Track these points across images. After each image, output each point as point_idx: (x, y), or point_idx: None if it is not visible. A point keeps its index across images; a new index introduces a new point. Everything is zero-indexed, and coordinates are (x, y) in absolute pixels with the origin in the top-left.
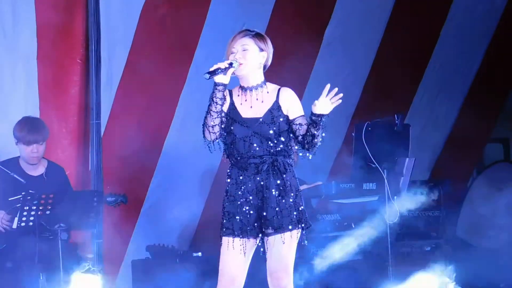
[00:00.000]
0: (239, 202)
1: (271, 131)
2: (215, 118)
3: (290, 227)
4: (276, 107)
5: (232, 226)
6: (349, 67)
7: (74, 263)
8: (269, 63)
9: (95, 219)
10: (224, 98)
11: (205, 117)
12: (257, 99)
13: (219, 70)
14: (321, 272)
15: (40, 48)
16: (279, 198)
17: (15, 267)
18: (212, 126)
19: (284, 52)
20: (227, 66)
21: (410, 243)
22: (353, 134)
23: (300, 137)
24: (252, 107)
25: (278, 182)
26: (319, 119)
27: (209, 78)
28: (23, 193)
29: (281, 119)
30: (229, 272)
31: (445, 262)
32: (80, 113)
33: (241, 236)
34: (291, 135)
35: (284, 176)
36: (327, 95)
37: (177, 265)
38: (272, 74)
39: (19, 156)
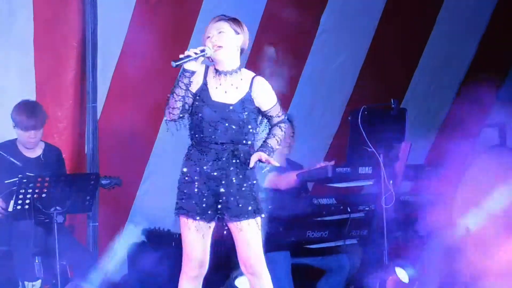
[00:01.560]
0: (196, 184)
1: (239, 120)
2: (177, 101)
3: (247, 216)
4: (248, 97)
5: (187, 207)
6: (345, 53)
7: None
8: (246, 47)
9: (91, 202)
10: (190, 84)
11: (168, 98)
12: (231, 85)
13: (189, 58)
14: (316, 256)
15: (37, 31)
16: (238, 186)
17: (10, 251)
18: (173, 108)
19: (280, 38)
20: (199, 53)
21: (406, 227)
22: (349, 118)
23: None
24: (227, 92)
25: (238, 171)
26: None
27: (175, 66)
28: (19, 176)
29: (250, 111)
30: (193, 253)
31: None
32: (76, 97)
33: (194, 218)
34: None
35: (244, 165)
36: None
37: (172, 249)
38: (267, 60)
39: (16, 138)
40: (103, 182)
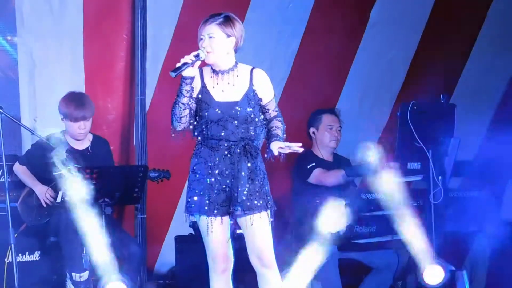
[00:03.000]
0: (208, 182)
1: (246, 116)
2: (184, 109)
3: (259, 209)
4: (251, 91)
5: (200, 205)
6: (394, 47)
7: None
8: (240, 45)
9: (139, 194)
10: (192, 90)
11: (174, 107)
12: (228, 83)
13: (186, 65)
14: (363, 251)
15: (87, 23)
16: (249, 181)
17: (58, 242)
18: (180, 117)
19: (329, 31)
20: (194, 59)
21: (454, 223)
22: (398, 113)
23: (266, 123)
24: (224, 91)
25: (249, 165)
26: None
27: (175, 76)
28: (75, 165)
29: (254, 103)
30: (216, 249)
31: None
32: (125, 89)
33: (207, 215)
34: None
35: (255, 160)
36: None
37: None
38: (317, 52)
39: (64, 130)
40: (152, 174)
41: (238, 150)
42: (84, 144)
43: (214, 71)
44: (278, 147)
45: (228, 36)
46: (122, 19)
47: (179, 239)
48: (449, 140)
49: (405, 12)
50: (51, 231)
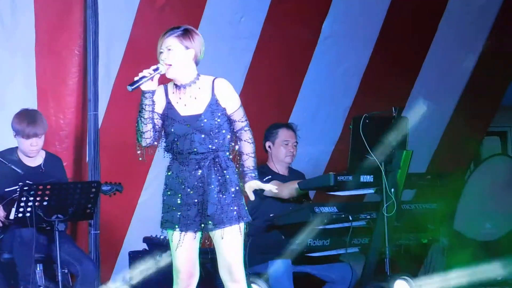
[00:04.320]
0: (179, 195)
1: (212, 127)
2: (146, 124)
3: (230, 222)
4: (214, 101)
5: (172, 219)
6: (347, 60)
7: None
8: (200, 57)
9: (92, 210)
10: (153, 104)
11: (137, 123)
12: (190, 96)
13: (144, 79)
14: (317, 265)
15: (38, 39)
16: (220, 194)
17: (12, 258)
18: (144, 132)
19: (282, 45)
20: (152, 72)
21: (408, 235)
22: (350, 126)
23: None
24: (186, 104)
25: (219, 178)
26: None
27: (132, 90)
28: (20, 183)
29: (219, 113)
30: (182, 266)
31: (442, 255)
32: (77, 105)
33: (180, 230)
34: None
35: (225, 172)
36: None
37: None
38: (270, 65)
39: (17, 147)
40: (104, 188)
41: (208, 163)
42: (36, 161)
43: (176, 86)
44: (252, 190)
45: (187, 48)
46: (74, 35)
47: (133, 255)
48: (402, 153)
49: (357, 25)
50: (5, 248)
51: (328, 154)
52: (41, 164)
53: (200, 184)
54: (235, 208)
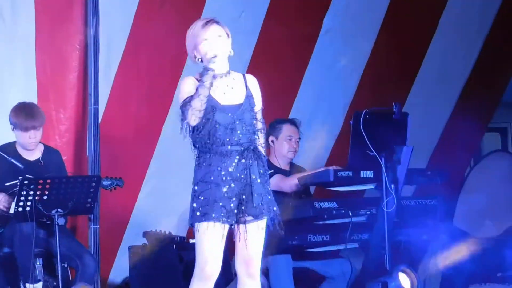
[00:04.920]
0: (224, 189)
1: (252, 118)
2: (204, 102)
3: (269, 212)
4: (250, 94)
5: (214, 213)
6: (347, 55)
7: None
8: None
9: (92, 204)
10: (212, 84)
11: (191, 102)
12: (227, 86)
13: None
14: (317, 260)
15: (39, 33)
16: (261, 185)
17: (12, 253)
18: (200, 111)
19: (282, 40)
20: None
21: (407, 231)
22: (351, 122)
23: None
24: (225, 93)
25: (261, 170)
26: None
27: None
28: (20, 178)
29: (254, 107)
30: (213, 260)
31: (442, 250)
32: (78, 99)
33: (221, 222)
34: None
35: (264, 163)
36: None
37: (173, 251)
38: (271, 61)
39: (15, 141)
40: (105, 183)
41: (249, 154)
42: (35, 154)
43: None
44: None
45: (228, 37)
46: (75, 29)
47: (132, 249)
48: (402, 148)
49: (358, 20)
50: (5, 242)
51: (329, 149)
52: (39, 158)
53: (243, 175)
54: (271, 199)
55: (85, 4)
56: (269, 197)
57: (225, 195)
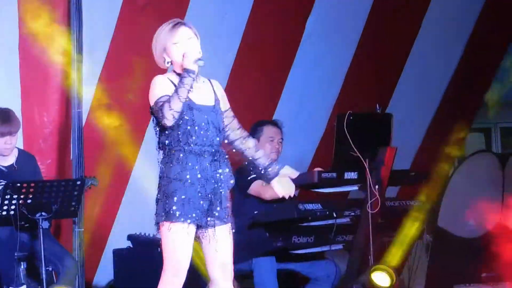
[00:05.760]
0: (196, 187)
1: (219, 121)
2: (182, 103)
3: (228, 219)
4: (217, 98)
5: (187, 212)
6: (330, 58)
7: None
8: None
9: (76, 207)
10: (192, 85)
11: (171, 102)
12: (199, 88)
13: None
14: (301, 262)
15: (22, 37)
16: (227, 188)
17: None
18: (177, 112)
19: (265, 43)
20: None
21: (391, 233)
22: (334, 123)
23: (234, 132)
24: (198, 94)
25: (226, 171)
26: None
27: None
28: (1, 181)
29: (224, 108)
30: (186, 261)
31: (426, 251)
32: (61, 103)
33: (193, 223)
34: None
35: (228, 166)
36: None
37: (158, 255)
38: (254, 63)
39: None
40: None
41: (219, 156)
42: (9, 159)
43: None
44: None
45: (197, 38)
46: (58, 34)
47: (117, 253)
48: (386, 150)
49: (340, 23)
50: None
51: (312, 151)
52: (13, 163)
53: (215, 176)
54: (230, 205)
55: (68, 8)
56: (228, 203)
57: (199, 194)
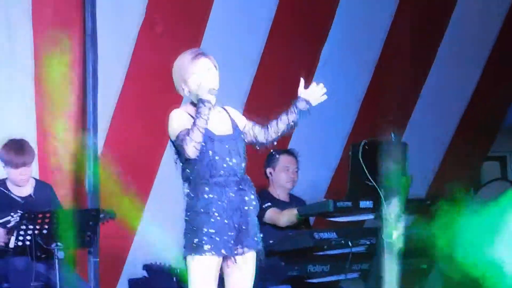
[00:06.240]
0: (225, 221)
1: (241, 148)
2: (202, 133)
3: (259, 244)
4: (235, 124)
5: (217, 245)
6: (345, 86)
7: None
8: None
9: (92, 237)
10: (209, 115)
11: (191, 135)
12: (216, 118)
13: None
14: None
15: (37, 67)
16: (254, 215)
17: (11, 287)
18: (199, 143)
19: (281, 70)
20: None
21: (407, 260)
22: (350, 153)
23: (261, 132)
24: (217, 124)
25: (252, 197)
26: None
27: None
28: (18, 211)
29: (242, 135)
30: None
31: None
32: (77, 133)
33: (219, 255)
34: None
35: (255, 194)
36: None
37: (174, 284)
38: (270, 91)
39: (6, 178)
40: None
41: (245, 184)
42: (27, 190)
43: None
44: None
45: (216, 68)
46: (73, 64)
47: (133, 282)
48: (401, 178)
49: (356, 50)
50: (2, 278)
51: (328, 179)
52: (31, 193)
53: (241, 206)
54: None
55: (83, 35)
56: (257, 228)
57: (227, 226)
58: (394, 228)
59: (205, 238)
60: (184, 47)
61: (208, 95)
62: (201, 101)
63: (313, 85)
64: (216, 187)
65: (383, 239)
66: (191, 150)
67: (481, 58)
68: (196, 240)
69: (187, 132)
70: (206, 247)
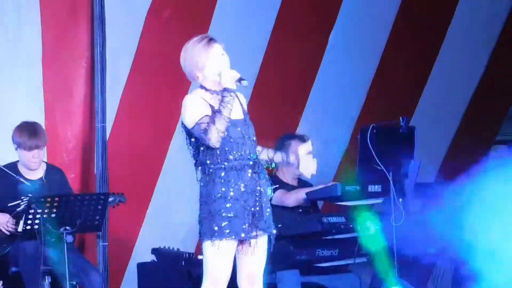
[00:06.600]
0: (241, 203)
1: (253, 132)
2: (227, 122)
3: (270, 228)
4: (245, 111)
5: (235, 229)
6: (353, 71)
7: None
8: None
9: (100, 221)
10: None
11: (217, 124)
12: (228, 102)
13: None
14: (326, 275)
15: (45, 51)
16: (267, 197)
17: (20, 271)
18: (223, 132)
19: (289, 55)
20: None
21: (415, 245)
22: (358, 137)
23: None
24: (231, 109)
25: (266, 181)
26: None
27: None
28: (22, 197)
29: (251, 121)
30: (227, 278)
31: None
32: (85, 117)
33: (239, 239)
34: None
35: (266, 176)
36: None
37: (182, 268)
38: (277, 77)
39: (17, 161)
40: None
41: (258, 167)
42: (38, 173)
43: (213, 91)
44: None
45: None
46: (81, 46)
47: (141, 266)
48: (410, 163)
49: (364, 34)
50: (12, 261)
51: (336, 163)
52: (42, 177)
53: (257, 189)
54: (270, 212)
55: (91, 22)
56: (269, 210)
57: (244, 209)
58: (402, 213)
59: (224, 222)
60: (190, 36)
61: (234, 84)
62: (227, 90)
63: (309, 157)
64: (232, 171)
65: (391, 223)
66: (216, 139)
67: (490, 41)
68: (214, 225)
69: (212, 120)
70: (226, 231)
